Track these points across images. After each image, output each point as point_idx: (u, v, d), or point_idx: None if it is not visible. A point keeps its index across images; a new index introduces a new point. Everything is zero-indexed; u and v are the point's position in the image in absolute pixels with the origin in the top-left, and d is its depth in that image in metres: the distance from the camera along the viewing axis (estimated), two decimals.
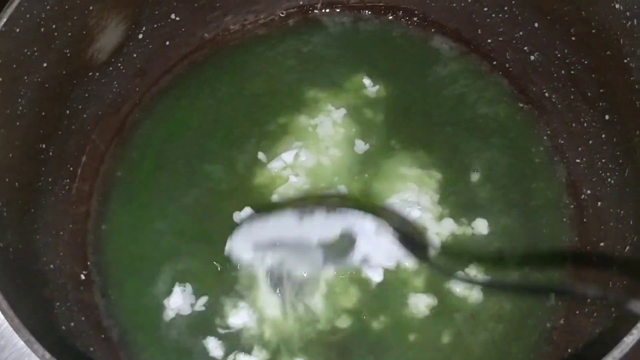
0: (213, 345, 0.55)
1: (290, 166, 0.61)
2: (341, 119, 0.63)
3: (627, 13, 0.49)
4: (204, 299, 0.56)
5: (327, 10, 0.66)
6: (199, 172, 0.61)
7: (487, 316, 0.55)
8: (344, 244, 0.53)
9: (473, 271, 0.57)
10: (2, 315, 0.43)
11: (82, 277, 0.58)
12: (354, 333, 0.55)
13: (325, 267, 0.55)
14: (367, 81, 0.64)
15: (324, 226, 0.53)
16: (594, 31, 0.52)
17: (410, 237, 0.56)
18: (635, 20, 0.48)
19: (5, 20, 0.47)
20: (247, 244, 0.55)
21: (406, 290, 0.56)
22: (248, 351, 0.55)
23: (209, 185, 0.61)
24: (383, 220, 0.54)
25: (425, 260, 0.55)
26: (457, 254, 0.57)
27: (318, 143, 0.62)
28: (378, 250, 0.53)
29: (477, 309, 0.55)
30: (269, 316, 0.56)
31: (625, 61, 0.50)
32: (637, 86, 0.50)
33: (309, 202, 0.58)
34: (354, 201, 0.59)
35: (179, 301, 0.56)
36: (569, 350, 0.52)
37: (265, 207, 0.58)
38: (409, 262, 0.56)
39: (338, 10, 0.66)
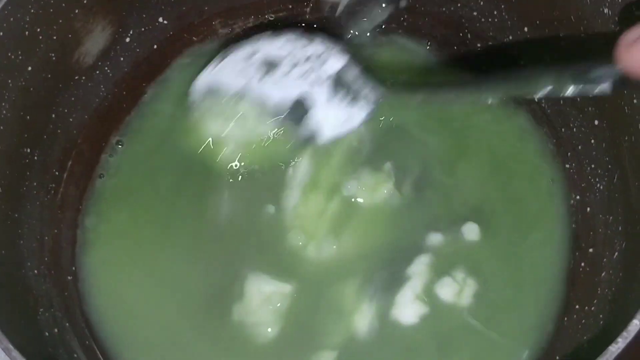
0: None
1: None
2: None
3: (616, 18, 0.48)
4: None
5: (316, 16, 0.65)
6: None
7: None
8: (297, 112, 0.54)
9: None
10: None
11: (67, 282, 0.57)
12: None
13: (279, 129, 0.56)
14: None
15: (282, 85, 0.54)
16: (582, 35, 0.52)
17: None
18: (623, 26, 0.48)
19: None
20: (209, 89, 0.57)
21: None
22: None
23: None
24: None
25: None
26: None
27: None
28: (330, 120, 0.54)
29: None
30: None
31: None
32: (625, 92, 0.49)
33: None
34: None
35: None
36: (557, 358, 0.51)
37: None
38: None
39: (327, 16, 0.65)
